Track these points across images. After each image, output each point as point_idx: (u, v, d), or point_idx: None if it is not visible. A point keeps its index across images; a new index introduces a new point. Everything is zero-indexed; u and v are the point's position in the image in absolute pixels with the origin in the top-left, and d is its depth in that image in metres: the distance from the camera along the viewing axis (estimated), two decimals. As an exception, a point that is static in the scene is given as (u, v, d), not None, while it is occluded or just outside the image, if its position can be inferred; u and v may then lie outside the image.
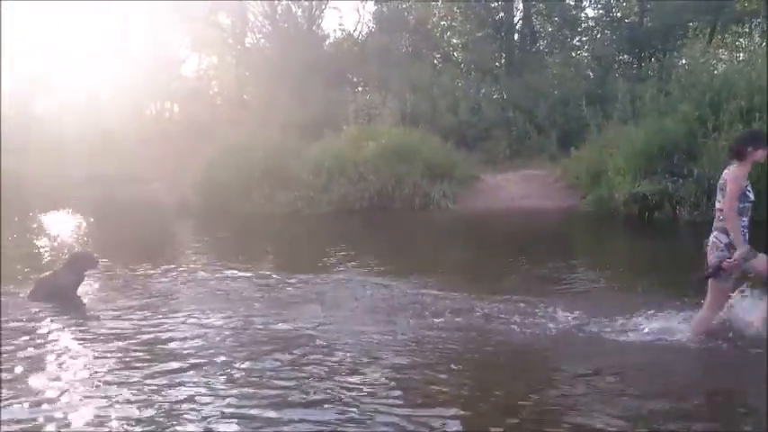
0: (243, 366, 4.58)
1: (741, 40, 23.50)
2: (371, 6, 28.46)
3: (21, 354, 4.91)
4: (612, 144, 14.13)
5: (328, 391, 4.13)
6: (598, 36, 24.89)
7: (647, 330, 5.16)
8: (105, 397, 4.05)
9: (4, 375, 4.41)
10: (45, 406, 3.94)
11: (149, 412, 3.83)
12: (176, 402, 3.97)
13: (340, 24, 28.43)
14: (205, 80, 30.49)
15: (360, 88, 25.17)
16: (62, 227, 14.16)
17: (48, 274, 6.99)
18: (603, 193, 13.37)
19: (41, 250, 10.71)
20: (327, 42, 27.98)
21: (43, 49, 28.96)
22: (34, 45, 29.07)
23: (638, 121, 14.62)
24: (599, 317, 5.53)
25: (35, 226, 14.16)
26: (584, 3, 25.44)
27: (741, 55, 21.21)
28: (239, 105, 26.19)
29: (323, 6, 28.47)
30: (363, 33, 27.71)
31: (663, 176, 12.54)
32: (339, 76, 25.04)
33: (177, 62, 30.32)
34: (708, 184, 11.83)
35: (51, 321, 5.84)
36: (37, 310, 6.25)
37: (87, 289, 7.00)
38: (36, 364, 4.67)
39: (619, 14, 24.85)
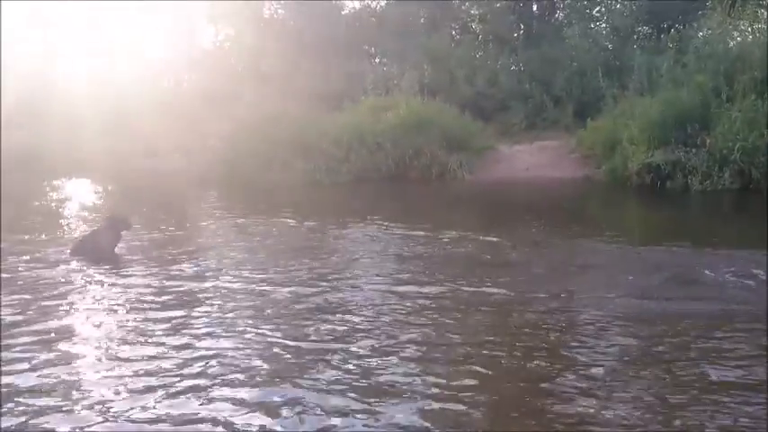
0: (270, 326, 4.85)
1: (763, 11, 23.30)
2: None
3: (61, 302, 5.36)
4: (628, 115, 14.31)
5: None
6: (617, 7, 24.76)
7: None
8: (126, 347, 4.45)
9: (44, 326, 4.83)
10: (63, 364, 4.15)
11: (166, 364, 4.11)
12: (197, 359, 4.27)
13: (358, -5, 28.38)
14: (223, 51, 30.71)
15: (377, 60, 25.33)
16: (88, 194, 14.62)
17: (88, 233, 7.47)
18: (618, 163, 13.60)
19: (72, 214, 11.22)
20: (345, 13, 28.07)
21: (58, 21, 29.10)
22: (49, 18, 29.20)
23: (655, 92, 14.77)
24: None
25: (63, 193, 14.64)
26: (604, -27, 25.28)
27: (762, 26, 21.08)
28: (257, 77, 26.43)
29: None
30: (381, 4, 27.76)
31: (676, 146, 12.75)
32: (357, 47, 25.21)
33: (195, 33, 30.55)
34: (720, 155, 12.10)
35: (91, 275, 6.30)
36: (78, 264, 6.71)
37: (126, 248, 7.43)
38: (70, 316, 5.09)
39: (638, -15, 24.67)
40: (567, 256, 7.10)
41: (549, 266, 6.64)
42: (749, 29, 19.88)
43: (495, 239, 7.99)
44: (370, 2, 28.25)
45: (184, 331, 4.66)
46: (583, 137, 15.76)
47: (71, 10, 28.39)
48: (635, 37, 23.85)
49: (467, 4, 27.50)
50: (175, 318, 4.95)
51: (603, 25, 24.95)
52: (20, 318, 4.95)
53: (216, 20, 30.37)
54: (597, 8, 25.60)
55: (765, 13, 22.93)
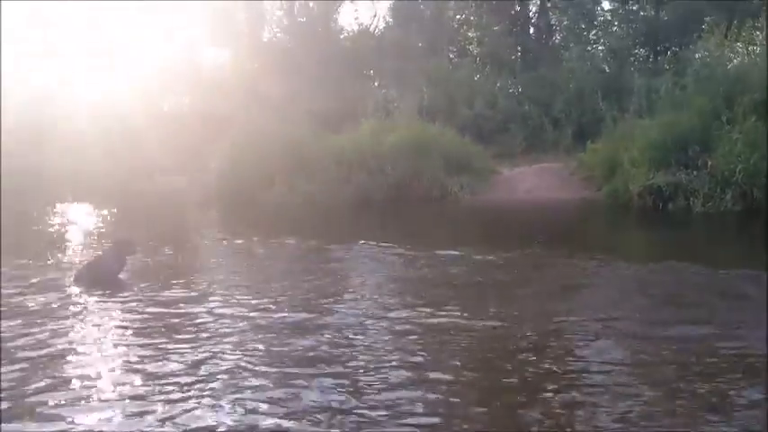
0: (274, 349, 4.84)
1: (757, 33, 23.55)
2: (388, 1, 28.75)
3: (63, 328, 5.31)
4: (628, 137, 14.37)
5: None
6: (614, 30, 25.03)
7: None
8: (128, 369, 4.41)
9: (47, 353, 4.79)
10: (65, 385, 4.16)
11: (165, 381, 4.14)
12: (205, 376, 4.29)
13: (356, 18, 28.65)
14: (223, 74, 30.88)
15: (376, 82, 25.48)
16: (90, 218, 14.56)
17: (92, 258, 7.42)
18: (619, 184, 13.62)
19: (74, 239, 11.17)
20: (344, 36, 28.30)
21: (60, 43, 29.24)
22: (51, 39, 29.36)
23: (654, 114, 14.86)
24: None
25: (64, 218, 14.58)
26: (600, -4, 25.60)
27: (757, 48, 21.30)
28: (257, 99, 26.53)
29: (339, 2, 28.81)
30: (380, 28, 28.00)
31: (677, 168, 12.79)
32: (356, 70, 25.37)
33: (195, 56, 30.71)
34: (721, 176, 12.13)
35: (94, 303, 6.23)
36: (81, 291, 6.64)
37: (129, 273, 7.36)
38: (71, 342, 5.00)
39: (635, 8, 24.96)
40: (567, 277, 7.11)
41: (548, 287, 6.64)
42: (746, 51, 20.10)
43: (494, 260, 8.01)
44: (368, 25, 28.50)
45: (181, 358, 4.59)
46: (583, 159, 15.81)
47: (71, 29, 28.57)
48: (632, 59, 24.10)
49: (464, 27, 27.79)
50: (175, 343, 4.88)
51: (601, 48, 25.21)
52: (20, 342, 4.88)
53: (216, 43, 30.57)
54: (594, 31, 25.90)
55: (761, 36, 23.21)
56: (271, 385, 4.08)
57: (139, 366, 4.44)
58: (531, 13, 26.41)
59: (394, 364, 4.43)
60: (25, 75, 27.01)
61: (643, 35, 23.53)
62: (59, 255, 9.08)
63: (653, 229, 11.76)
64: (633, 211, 12.99)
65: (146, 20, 28.63)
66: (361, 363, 4.46)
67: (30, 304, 6.08)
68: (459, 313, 5.63)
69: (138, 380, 4.21)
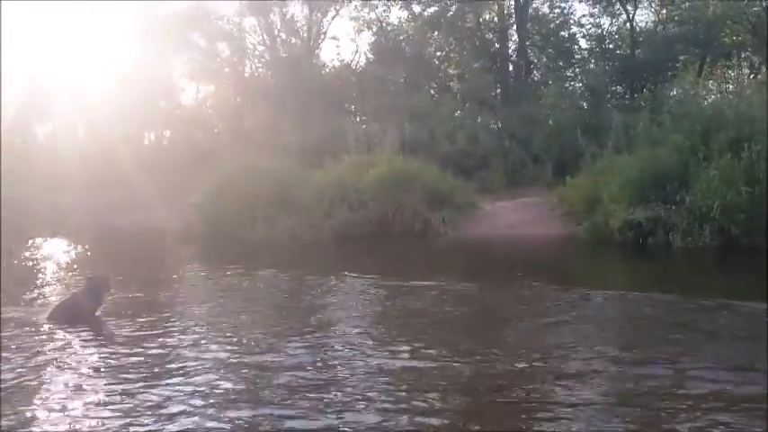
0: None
1: (730, 71, 24.17)
2: (369, 37, 29.11)
3: (36, 369, 5.16)
4: (607, 172, 14.53)
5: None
6: (591, 67, 25.52)
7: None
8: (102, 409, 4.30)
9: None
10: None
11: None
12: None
13: (337, 54, 29.00)
14: (204, 108, 30.95)
15: (358, 117, 25.67)
16: (67, 253, 14.34)
17: (67, 297, 7.26)
18: (599, 219, 13.71)
19: (49, 275, 10.95)
20: (325, 72, 28.54)
21: (42, 76, 29.11)
22: (34, 73, 29.26)
23: (632, 150, 15.06)
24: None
25: (40, 253, 14.35)
26: (578, 35, 26.16)
27: (730, 86, 21.84)
28: (238, 133, 26.59)
29: (321, 37, 29.14)
30: (361, 63, 28.30)
31: (656, 204, 12.92)
32: (338, 105, 25.56)
33: (176, 91, 30.80)
34: (699, 212, 12.27)
35: (67, 342, 6.07)
36: (54, 331, 6.47)
37: (105, 311, 7.21)
38: (45, 383, 4.88)
39: (611, 46, 25.52)
40: (547, 311, 7.18)
41: (527, 321, 6.71)
42: (719, 89, 20.59)
43: (474, 293, 8.07)
44: (350, 61, 28.81)
45: (152, 397, 4.50)
46: (563, 194, 15.92)
47: (51, 60, 28.47)
48: (609, 96, 24.54)
49: (445, 64, 28.18)
50: (152, 385, 4.77)
51: (579, 85, 25.68)
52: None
53: (197, 77, 30.70)
54: (572, 68, 26.39)
55: (733, 74, 23.83)
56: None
57: (108, 405, 4.34)
58: (510, 51, 26.84)
59: (362, 406, 4.34)
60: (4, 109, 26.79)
61: (620, 73, 24.02)
62: (34, 292, 8.89)
63: (633, 264, 11.86)
64: (614, 245, 13.05)
65: (128, 53, 28.69)
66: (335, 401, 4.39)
67: (2, 342, 5.91)
68: (433, 350, 5.60)
69: (103, 419, 4.11)
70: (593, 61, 25.86)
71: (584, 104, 23.21)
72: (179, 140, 28.40)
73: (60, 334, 6.34)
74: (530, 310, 7.24)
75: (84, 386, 4.78)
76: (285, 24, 28.85)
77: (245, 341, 6.02)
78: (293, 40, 29.03)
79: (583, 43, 26.41)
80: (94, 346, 5.90)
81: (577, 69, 26.35)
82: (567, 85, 25.36)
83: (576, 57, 26.36)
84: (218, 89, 30.71)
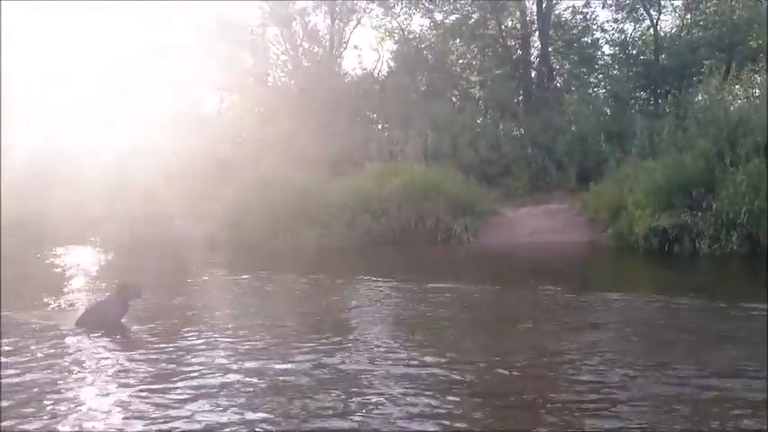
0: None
1: (756, 76, 23.83)
2: (391, 46, 29.18)
3: (63, 374, 5.25)
4: (631, 179, 14.41)
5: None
6: (615, 73, 25.31)
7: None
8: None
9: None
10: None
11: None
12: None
13: (359, 63, 29.08)
14: (227, 117, 31.18)
15: (380, 125, 25.71)
16: (95, 261, 14.54)
17: (95, 303, 7.38)
18: (623, 226, 13.59)
19: (78, 282, 11.13)
20: (348, 81, 28.64)
21: (63, 85, 29.55)
22: (55, 81, 29.65)
23: (657, 156, 14.92)
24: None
25: (69, 260, 14.57)
26: (601, 41, 25.97)
27: (757, 91, 21.52)
28: (261, 142, 26.75)
29: (343, 46, 29.28)
30: (383, 72, 28.35)
31: (682, 210, 12.78)
32: (360, 113, 25.62)
33: (198, 100, 31.09)
34: (726, 218, 12.11)
35: (94, 348, 6.16)
36: (81, 336, 6.57)
37: (132, 317, 7.30)
38: (70, 389, 4.95)
39: (634, 52, 25.29)
40: (571, 315, 7.18)
41: (548, 326, 6.69)
42: (746, 94, 20.31)
43: (497, 299, 8.02)
44: (372, 70, 28.89)
45: (177, 404, 4.54)
46: (587, 201, 15.81)
47: (77, 73, 28.91)
48: (633, 102, 24.31)
49: (467, 71, 28.14)
50: (175, 391, 4.82)
51: (602, 91, 25.47)
52: (17, 387, 4.81)
53: (220, 87, 30.94)
54: (595, 74, 26.20)
55: (760, 79, 23.48)
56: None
57: (130, 410, 4.41)
58: (532, 58, 26.73)
59: (384, 411, 4.34)
60: (31, 118, 27.25)
61: (644, 78, 23.78)
62: (62, 299, 9.04)
63: (659, 270, 11.72)
64: (639, 252, 12.94)
65: (152, 64, 29.03)
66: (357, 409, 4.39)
67: (31, 348, 6.02)
68: (453, 355, 5.61)
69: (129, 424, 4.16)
70: (616, 67, 25.61)
71: (608, 111, 22.99)
72: (202, 150, 28.60)
73: (87, 339, 6.45)
74: (552, 316, 7.22)
75: (107, 390, 4.86)
76: (308, 34, 29.01)
77: (266, 346, 6.07)
78: (316, 49, 29.17)
79: (606, 49, 26.20)
80: (119, 352, 5.99)
81: (600, 75, 26.12)
82: (590, 91, 25.15)
83: (600, 63, 26.14)
84: (241, 99, 30.92)
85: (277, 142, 24.64)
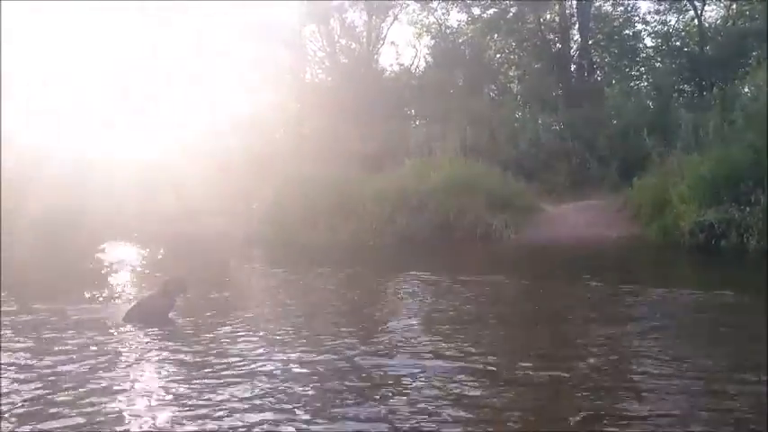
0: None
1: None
2: (428, 41, 29.11)
3: (110, 370, 5.31)
4: (676, 173, 14.12)
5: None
6: (657, 66, 24.84)
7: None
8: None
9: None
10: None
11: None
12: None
13: (397, 59, 29.07)
14: (265, 115, 31.44)
15: (418, 121, 25.67)
16: (139, 257, 14.81)
17: (142, 297, 7.51)
18: (668, 222, 13.33)
19: (124, 277, 11.36)
20: (385, 76, 28.65)
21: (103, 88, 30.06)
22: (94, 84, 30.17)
23: (702, 149, 14.59)
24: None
25: (115, 256, 14.87)
26: (642, 33, 25.51)
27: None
28: (299, 139, 26.94)
29: (380, 42, 29.29)
30: (421, 67, 28.30)
31: (729, 205, 12.47)
32: (397, 109, 25.62)
33: (237, 98, 31.40)
34: (776, 212, 11.78)
35: (142, 342, 6.26)
36: (128, 331, 6.69)
37: (179, 312, 7.40)
38: (117, 384, 4.97)
39: (678, 43, 24.78)
40: (614, 312, 7.06)
41: (595, 321, 6.56)
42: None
43: (541, 295, 7.92)
44: (409, 65, 28.85)
45: (223, 398, 4.56)
46: (630, 195, 15.54)
47: (112, 73, 29.35)
48: (676, 95, 23.83)
49: (505, 66, 27.92)
50: (216, 381, 4.87)
51: (644, 84, 25.03)
52: (70, 387, 4.89)
53: (259, 85, 31.23)
54: (637, 67, 25.76)
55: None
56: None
57: (177, 406, 4.42)
58: (572, 51, 26.37)
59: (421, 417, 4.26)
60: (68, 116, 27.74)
61: (688, 71, 23.28)
62: (109, 294, 9.23)
63: (705, 267, 11.46)
64: (684, 248, 12.67)
65: (191, 63, 29.41)
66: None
67: (78, 342, 6.13)
68: (492, 351, 5.55)
69: (171, 418, 4.21)
70: (659, 59, 25.17)
71: (650, 104, 22.59)
72: (240, 148, 28.87)
73: (134, 333, 6.56)
74: (595, 313, 7.10)
75: (153, 386, 4.91)
76: (345, 30, 29.12)
77: (303, 338, 6.08)
78: (353, 45, 29.27)
79: (648, 41, 25.77)
80: (165, 346, 6.06)
81: (642, 68, 25.70)
82: (631, 84, 24.78)
83: (641, 55, 25.71)
84: (279, 96, 31.17)
85: (314, 139, 24.81)
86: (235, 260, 14.09)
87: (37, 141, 20.96)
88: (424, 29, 29.30)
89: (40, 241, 15.07)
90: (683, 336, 6.16)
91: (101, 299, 8.66)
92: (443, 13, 28.54)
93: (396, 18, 29.34)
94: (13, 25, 23.32)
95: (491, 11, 26.87)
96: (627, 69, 25.43)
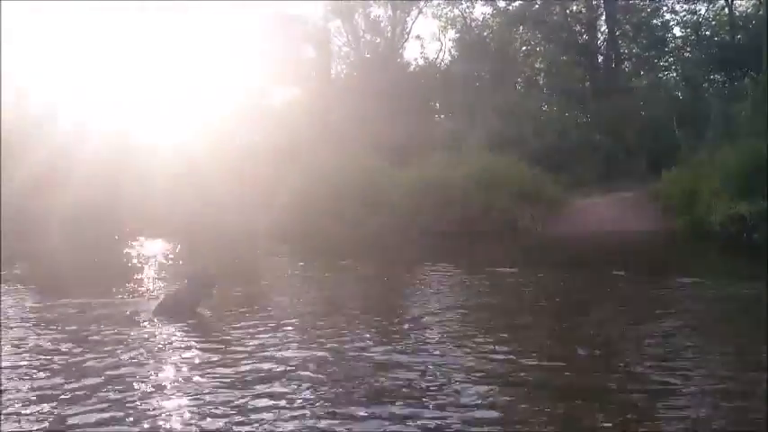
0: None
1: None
2: (453, 34, 28.91)
3: (139, 362, 5.39)
4: (707, 165, 13.88)
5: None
6: (687, 56, 24.39)
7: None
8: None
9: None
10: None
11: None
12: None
13: (422, 53, 28.90)
14: (291, 109, 31.53)
15: (443, 115, 25.55)
16: (168, 251, 14.95)
17: (171, 292, 7.58)
18: (699, 214, 13.11)
19: (152, 271, 11.47)
20: (410, 71, 28.54)
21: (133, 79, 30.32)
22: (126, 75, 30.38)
23: (734, 140, 14.31)
24: None
25: (144, 250, 15.04)
26: (671, 22, 25.04)
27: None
28: (325, 134, 26.93)
29: (405, 36, 29.18)
30: (446, 61, 28.13)
31: (762, 197, 12.22)
32: (422, 103, 25.51)
33: (264, 93, 31.53)
34: (811, 204, 11.51)
35: (171, 334, 6.32)
36: (158, 323, 6.76)
37: (206, 305, 7.45)
38: (145, 375, 5.08)
39: (708, 33, 24.29)
40: (642, 304, 6.99)
41: (623, 314, 6.44)
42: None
43: (569, 288, 7.84)
44: (434, 59, 28.69)
45: (247, 390, 4.62)
46: (659, 188, 15.30)
47: (141, 64, 29.58)
48: (706, 85, 23.38)
49: (531, 58, 27.63)
50: (244, 376, 4.91)
51: (673, 75, 24.61)
52: (99, 380, 4.95)
53: (286, 80, 31.33)
54: (666, 57, 25.31)
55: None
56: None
57: (194, 400, 4.47)
58: (599, 43, 26.00)
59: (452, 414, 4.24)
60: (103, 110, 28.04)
61: (718, 60, 22.79)
62: (138, 287, 9.33)
63: (736, 259, 11.24)
64: (715, 241, 12.45)
65: (218, 58, 29.56)
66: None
67: (108, 336, 6.20)
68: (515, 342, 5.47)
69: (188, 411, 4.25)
70: (688, 49, 24.69)
71: (680, 95, 22.21)
72: (268, 142, 28.98)
73: (163, 326, 6.62)
74: (624, 306, 7.02)
75: (173, 379, 4.98)
76: (369, 25, 29.06)
77: (329, 337, 6.05)
78: (377, 40, 29.19)
79: (677, 31, 25.27)
80: (192, 338, 6.15)
81: (671, 58, 25.23)
82: (660, 75, 24.36)
83: (670, 45, 25.24)
84: (304, 91, 31.22)
85: (339, 133, 24.78)
86: (261, 254, 14.17)
87: (66, 136, 21.17)
88: (449, 22, 29.11)
89: (70, 235, 15.29)
90: (714, 331, 6.05)
91: (129, 293, 8.75)
92: (468, 6, 28.34)
93: (420, 12, 29.20)
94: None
95: (516, 3, 26.57)
96: (655, 60, 24.97)
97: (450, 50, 28.29)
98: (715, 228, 12.59)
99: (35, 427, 4.04)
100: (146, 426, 4.09)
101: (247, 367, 5.17)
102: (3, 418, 4.16)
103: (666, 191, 14.82)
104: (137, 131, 28.05)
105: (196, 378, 4.93)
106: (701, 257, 11.80)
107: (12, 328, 6.66)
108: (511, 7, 26.81)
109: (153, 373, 5.11)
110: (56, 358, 5.52)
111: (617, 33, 25.39)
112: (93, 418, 4.17)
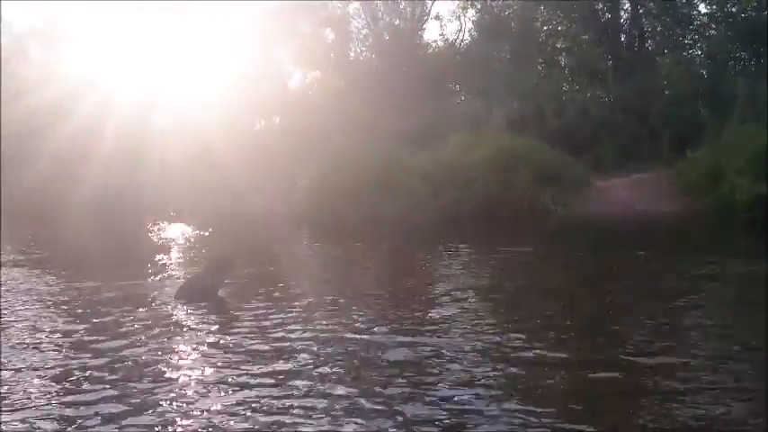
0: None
1: None
2: (472, 14, 28.59)
3: (160, 346, 5.44)
4: (732, 145, 13.65)
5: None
6: (712, 33, 23.90)
7: None
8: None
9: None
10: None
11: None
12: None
13: (441, 34, 28.64)
14: (310, 93, 31.48)
15: (463, 96, 25.35)
16: (189, 235, 15.07)
17: (192, 276, 7.65)
18: (723, 195, 12.91)
19: (174, 255, 11.59)
20: (429, 52, 28.34)
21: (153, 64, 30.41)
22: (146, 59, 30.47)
23: (760, 120, 14.05)
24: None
25: (165, 234, 15.19)
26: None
27: None
28: (344, 117, 26.88)
29: (424, 18, 28.93)
30: (465, 42, 27.87)
31: (788, 177, 12.02)
32: (442, 84, 25.34)
33: (283, 76, 31.50)
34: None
35: (189, 319, 6.38)
36: (180, 307, 6.82)
37: (228, 290, 7.51)
38: (165, 360, 5.10)
39: (734, 9, 23.76)
40: (668, 288, 6.83)
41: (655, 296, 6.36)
42: None
43: (590, 269, 7.77)
44: (453, 40, 28.44)
45: (269, 375, 4.63)
46: (683, 168, 15.09)
47: (163, 53, 29.66)
48: (732, 63, 22.92)
49: (552, 38, 27.24)
50: (272, 366, 4.89)
51: (698, 53, 24.14)
52: (120, 365, 4.99)
53: (303, 63, 31.24)
54: (690, 35, 24.83)
55: None
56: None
57: (210, 385, 4.49)
58: (621, 21, 25.56)
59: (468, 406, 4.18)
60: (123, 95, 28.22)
61: (745, 37, 22.29)
62: (160, 271, 9.42)
63: (760, 240, 11.02)
64: (739, 222, 12.27)
65: (237, 42, 29.52)
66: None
67: (130, 320, 6.27)
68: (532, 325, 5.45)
69: (215, 394, 4.29)
70: (713, 26, 24.16)
71: (705, 73, 21.79)
72: (287, 125, 29.00)
73: (184, 310, 6.69)
74: (649, 286, 6.95)
75: (189, 364, 5.01)
76: (388, 7, 28.86)
77: (349, 323, 6.03)
78: (397, 22, 28.98)
79: (702, 8, 24.73)
80: (213, 322, 6.20)
81: (696, 36, 24.72)
82: (685, 53, 23.89)
83: (695, 23, 24.74)
84: (323, 74, 31.15)
85: (359, 116, 24.71)
86: (280, 238, 14.23)
87: (89, 121, 21.32)
88: (469, 2, 28.79)
89: (92, 220, 15.51)
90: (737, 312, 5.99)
91: (153, 276, 8.85)
92: (489, -15, 27.98)
93: (440, -9, 28.94)
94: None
95: (538, -19, 26.20)
96: (680, 38, 24.49)
97: (469, 31, 28.02)
98: (739, 209, 12.39)
99: (44, 403, 4.14)
100: (161, 404, 4.14)
101: (264, 346, 5.25)
102: (18, 395, 4.27)
103: (689, 171, 14.60)
104: (157, 118, 28.30)
105: (207, 362, 4.96)
106: (724, 238, 11.64)
107: (31, 308, 6.83)
108: (532, -14, 26.43)
109: (164, 355, 5.17)
110: (74, 337, 5.66)
111: (640, 11, 24.94)
112: (106, 394, 4.28)
